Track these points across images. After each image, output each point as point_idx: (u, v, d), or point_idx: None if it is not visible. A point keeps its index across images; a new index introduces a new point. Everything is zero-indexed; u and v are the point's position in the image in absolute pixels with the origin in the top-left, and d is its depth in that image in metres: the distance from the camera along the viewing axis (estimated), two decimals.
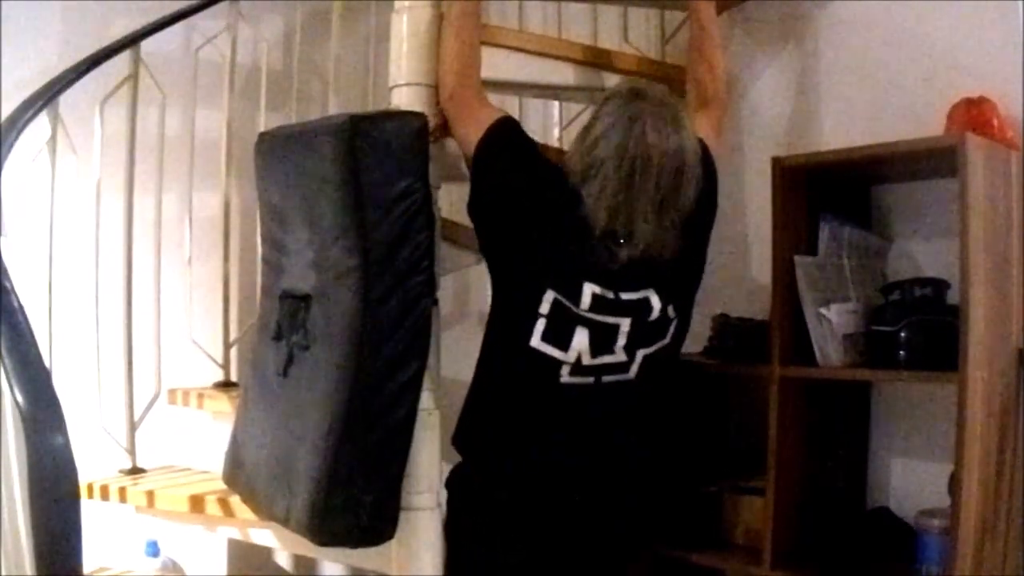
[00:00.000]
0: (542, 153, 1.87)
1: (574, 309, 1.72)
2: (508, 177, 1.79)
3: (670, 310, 1.78)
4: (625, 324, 1.74)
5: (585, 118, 2.74)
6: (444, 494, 1.94)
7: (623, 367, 1.78)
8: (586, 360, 1.75)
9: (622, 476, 1.85)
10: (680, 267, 1.78)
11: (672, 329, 1.81)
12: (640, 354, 1.78)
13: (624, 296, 1.73)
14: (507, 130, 1.82)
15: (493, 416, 1.85)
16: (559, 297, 1.72)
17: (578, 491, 1.80)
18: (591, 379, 1.77)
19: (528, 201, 1.76)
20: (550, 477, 1.79)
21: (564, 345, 1.74)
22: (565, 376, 1.75)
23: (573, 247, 1.72)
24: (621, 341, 1.75)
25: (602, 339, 1.74)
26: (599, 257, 1.71)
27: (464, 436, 1.86)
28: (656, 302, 1.76)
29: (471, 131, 1.81)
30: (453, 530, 1.87)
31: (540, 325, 1.73)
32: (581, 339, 1.73)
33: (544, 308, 1.73)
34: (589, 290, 1.72)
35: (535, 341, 1.74)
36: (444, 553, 1.88)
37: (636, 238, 1.68)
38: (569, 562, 1.82)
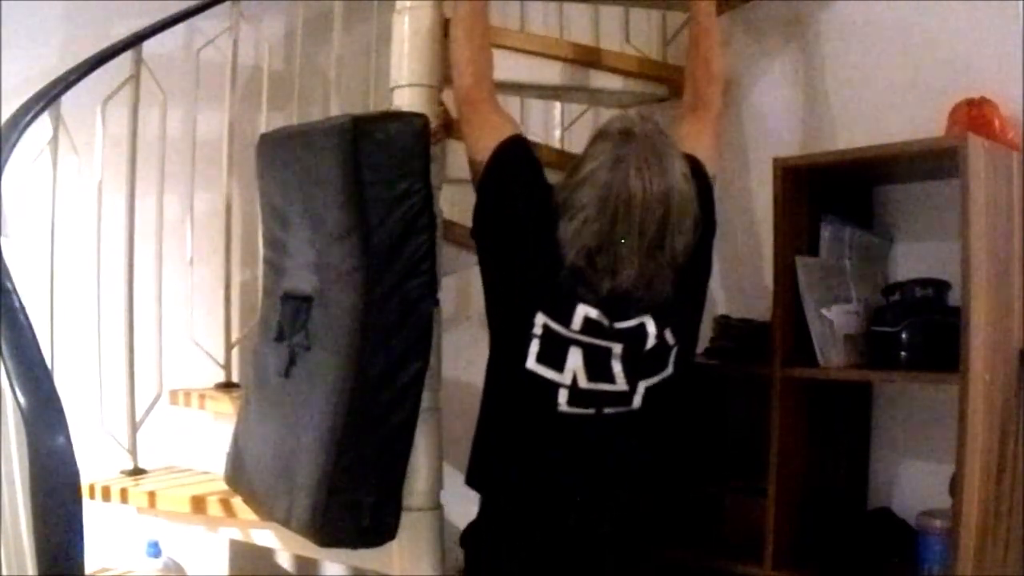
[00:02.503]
0: (542, 176, 1.82)
1: (565, 332, 1.69)
2: (511, 201, 1.77)
3: (668, 336, 1.73)
4: (617, 348, 1.71)
5: (586, 119, 2.78)
6: (445, 495, 1.95)
7: (625, 398, 1.73)
8: (583, 383, 1.71)
9: (623, 503, 1.81)
10: (678, 297, 1.72)
11: (673, 357, 1.76)
12: (642, 386, 1.74)
13: (618, 325, 1.69)
14: (517, 152, 1.80)
15: (495, 448, 1.82)
16: (548, 321, 1.69)
17: (582, 524, 1.75)
18: (591, 410, 1.73)
19: (524, 224, 1.74)
20: (553, 514, 1.75)
21: (559, 366, 1.70)
22: (563, 405, 1.71)
23: (563, 271, 1.67)
24: (617, 366, 1.71)
25: (597, 360, 1.71)
26: (585, 280, 1.67)
27: (472, 470, 1.83)
28: (652, 328, 1.71)
29: (482, 137, 1.80)
30: None
31: (535, 346, 1.70)
32: (575, 359, 1.70)
33: (536, 329, 1.70)
34: (582, 312, 1.68)
35: (531, 363, 1.71)
36: None
37: (619, 276, 1.64)
38: None
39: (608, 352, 1.71)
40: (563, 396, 1.71)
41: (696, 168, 1.77)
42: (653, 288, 1.66)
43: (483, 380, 1.83)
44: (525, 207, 1.75)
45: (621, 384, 1.73)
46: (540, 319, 1.70)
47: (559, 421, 1.73)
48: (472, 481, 1.82)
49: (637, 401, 1.74)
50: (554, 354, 1.71)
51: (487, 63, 1.86)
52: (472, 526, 1.84)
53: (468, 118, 1.84)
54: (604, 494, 1.77)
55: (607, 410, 1.73)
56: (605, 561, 1.78)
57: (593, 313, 1.68)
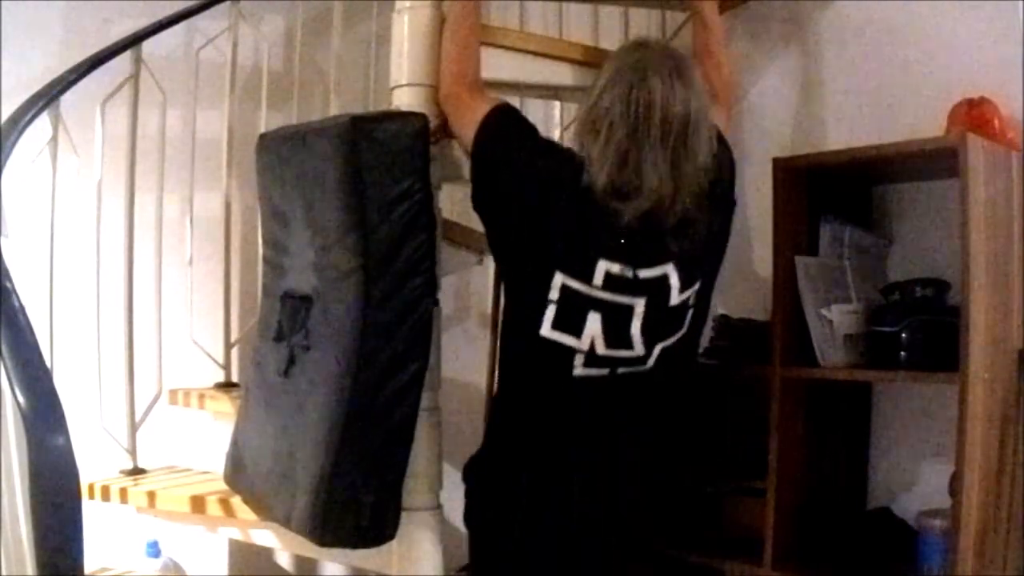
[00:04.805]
0: (538, 133, 1.83)
1: (585, 291, 1.67)
2: (508, 163, 1.76)
3: (690, 296, 1.74)
4: (640, 305, 1.69)
5: None
6: (445, 495, 1.95)
7: (640, 360, 1.74)
8: (601, 350, 1.70)
9: (631, 475, 1.82)
10: (700, 243, 1.72)
11: (690, 317, 1.77)
12: (659, 347, 1.74)
13: (642, 274, 1.68)
14: (503, 117, 1.80)
15: (511, 413, 1.83)
16: (568, 280, 1.67)
17: (588, 489, 1.77)
18: (605, 371, 1.73)
19: (531, 183, 1.73)
20: (562, 476, 1.76)
21: (577, 331, 1.69)
22: (579, 368, 1.72)
23: (582, 223, 1.67)
24: (636, 327, 1.70)
25: (617, 323, 1.69)
26: (608, 224, 1.66)
27: (489, 430, 1.87)
28: (675, 280, 1.70)
29: (467, 125, 1.80)
30: (473, 521, 1.85)
31: (550, 312, 1.69)
32: (594, 325, 1.69)
33: (553, 294, 1.68)
34: (603, 268, 1.67)
35: (545, 330, 1.70)
36: (469, 544, 1.87)
37: (645, 189, 1.62)
38: (582, 553, 1.79)
39: (629, 312, 1.69)
40: (579, 361, 1.71)
41: (719, 136, 1.78)
42: (676, 206, 1.65)
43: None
44: (529, 165, 1.74)
45: (639, 349, 1.73)
46: (559, 280, 1.68)
47: (572, 383, 1.73)
48: (487, 436, 1.87)
49: (651, 362, 1.75)
50: (572, 319, 1.69)
51: (472, 62, 1.86)
52: (476, 461, 1.86)
53: (452, 112, 1.84)
54: (616, 448, 1.78)
55: (621, 370, 1.74)
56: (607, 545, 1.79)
57: (615, 268, 1.67)
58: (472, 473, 1.86)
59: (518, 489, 1.78)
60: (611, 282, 1.68)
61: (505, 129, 1.80)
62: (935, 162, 1.93)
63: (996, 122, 1.93)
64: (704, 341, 2.24)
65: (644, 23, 2.60)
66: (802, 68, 2.39)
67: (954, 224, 1.80)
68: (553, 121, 2.87)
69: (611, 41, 2.52)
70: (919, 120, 2.05)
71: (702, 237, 1.73)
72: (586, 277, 1.68)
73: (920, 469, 2.13)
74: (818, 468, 2.10)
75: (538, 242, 1.72)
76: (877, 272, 2.15)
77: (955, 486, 1.76)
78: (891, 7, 2.20)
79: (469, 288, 3.01)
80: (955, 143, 1.78)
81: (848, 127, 2.27)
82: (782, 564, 1.98)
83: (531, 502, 1.77)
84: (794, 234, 2.06)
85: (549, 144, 1.78)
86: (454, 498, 1.96)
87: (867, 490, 2.20)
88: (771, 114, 2.45)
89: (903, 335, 1.90)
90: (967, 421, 1.73)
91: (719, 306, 2.39)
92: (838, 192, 2.12)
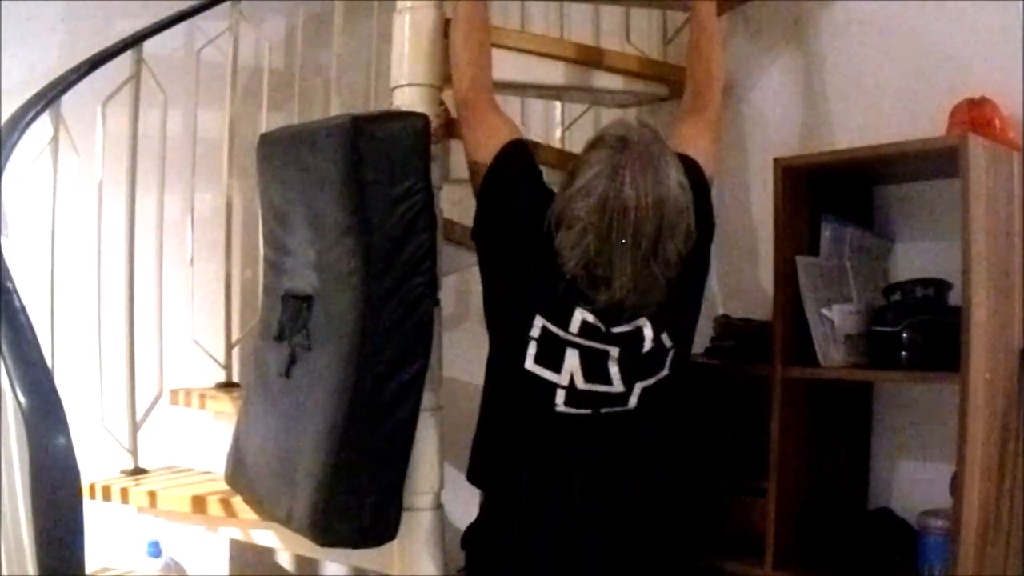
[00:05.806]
0: (542, 182, 1.84)
1: (563, 335, 1.71)
2: (511, 207, 1.78)
3: (665, 339, 1.74)
4: (614, 352, 1.72)
5: (587, 119, 2.78)
6: (445, 495, 1.95)
7: (621, 398, 1.75)
8: (580, 384, 1.72)
9: (624, 521, 1.80)
10: (675, 300, 1.73)
11: (670, 359, 1.77)
12: (639, 386, 1.75)
13: (615, 329, 1.71)
14: (519, 152, 1.82)
15: (495, 447, 1.83)
16: (547, 324, 1.71)
17: (583, 526, 1.76)
18: (588, 410, 1.74)
19: (525, 231, 1.74)
20: (553, 520, 1.75)
21: (556, 366, 1.72)
22: (560, 405, 1.73)
23: (562, 276, 1.69)
24: (614, 368, 1.72)
25: (593, 362, 1.72)
26: (582, 293, 1.69)
27: (473, 467, 1.85)
28: (649, 332, 1.72)
29: (481, 139, 1.81)
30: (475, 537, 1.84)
31: (532, 348, 1.72)
32: (572, 361, 1.71)
33: (534, 332, 1.72)
34: (580, 316, 1.69)
35: (529, 363, 1.72)
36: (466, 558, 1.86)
37: (614, 288, 1.65)
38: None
39: (605, 355, 1.72)
40: (560, 397, 1.73)
41: (694, 170, 1.77)
42: (647, 296, 1.68)
43: (482, 379, 1.84)
44: (526, 214, 1.75)
45: (618, 386, 1.74)
46: (539, 322, 1.71)
47: (557, 421, 1.74)
48: (473, 478, 1.84)
49: (633, 401, 1.76)
50: (551, 355, 1.72)
51: (486, 64, 1.87)
52: (473, 527, 1.85)
53: (467, 119, 1.85)
54: (604, 493, 1.77)
55: (604, 410, 1.75)
56: (609, 563, 1.77)
57: (590, 318, 1.70)
58: (471, 543, 1.85)
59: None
60: (586, 330, 1.70)
61: (522, 164, 1.82)
62: (936, 162, 1.93)
63: (996, 122, 1.93)
64: (704, 341, 2.25)
65: (644, 23, 2.60)
66: (803, 68, 2.39)
67: (955, 224, 1.79)
68: (553, 121, 2.88)
69: (612, 42, 2.53)
70: (919, 120, 2.04)
71: (677, 300, 1.74)
72: (563, 324, 1.70)
73: (920, 469, 2.13)
74: (818, 468, 2.09)
75: (522, 285, 1.75)
76: (878, 272, 2.15)
77: (955, 486, 1.76)
78: (891, 7, 2.20)
79: (469, 288, 3.00)
80: (955, 143, 1.78)
81: (848, 127, 2.27)
82: (783, 564, 1.98)
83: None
84: (795, 234, 2.06)
85: (546, 199, 1.76)
86: (454, 498, 1.97)
87: (867, 490, 2.20)
88: (772, 114, 2.45)
89: (904, 335, 1.90)
90: (968, 421, 1.73)
91: (719, 306, 2.40)
92: (839, 192, 2.12)
